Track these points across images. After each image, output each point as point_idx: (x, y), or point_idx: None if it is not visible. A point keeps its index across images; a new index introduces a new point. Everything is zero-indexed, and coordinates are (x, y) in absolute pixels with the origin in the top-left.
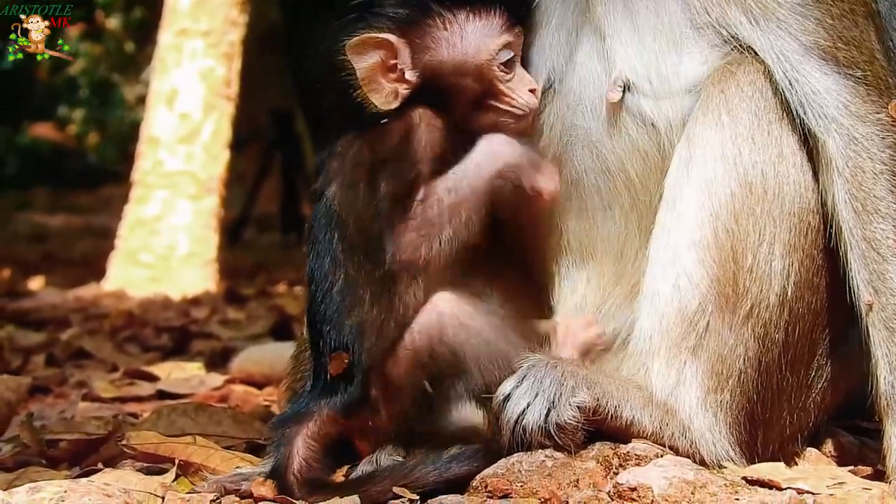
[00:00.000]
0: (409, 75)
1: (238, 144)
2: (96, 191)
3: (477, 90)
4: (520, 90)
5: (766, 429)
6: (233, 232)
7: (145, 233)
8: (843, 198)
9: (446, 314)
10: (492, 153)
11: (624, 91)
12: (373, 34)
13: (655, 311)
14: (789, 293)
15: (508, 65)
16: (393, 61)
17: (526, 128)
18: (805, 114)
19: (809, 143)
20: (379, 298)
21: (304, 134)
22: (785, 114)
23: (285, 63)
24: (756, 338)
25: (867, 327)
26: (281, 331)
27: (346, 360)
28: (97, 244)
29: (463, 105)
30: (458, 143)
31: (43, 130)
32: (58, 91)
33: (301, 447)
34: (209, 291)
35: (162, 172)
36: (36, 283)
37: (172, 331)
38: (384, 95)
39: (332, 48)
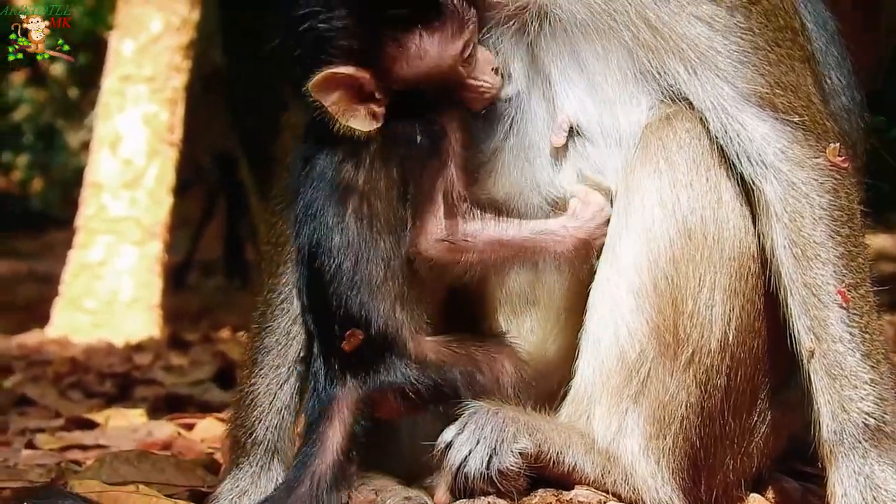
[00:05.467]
0: (380, 95)
1: (182, 188)
2: (40, 236)
3: (447, 89)
4: (484, 75)
5: (709, 474)
6: (177, 277)
7: (89, 278)
8: (782, 244)
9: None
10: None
11: (570, 135)
12: (333, 70)
13: (596, 359)
14: (730, 338)
15: (469, 58)
16: (359, 89)
17: (492, 99)
18: (741, 162)
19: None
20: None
21: (247, 178)
22: (723, 159)
23: (226, 108)
24: (698, 384)
25: (808, 374)
26: (225, 377)
27: (360, 337)
28: (41, 290)
29: (437, 100)
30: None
31: None
32: (1, 137)
33: (338, 441)
34: (153, 337)
35: (105, 218)
36: None
37: (115, 377)
38: (361, 119)
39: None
